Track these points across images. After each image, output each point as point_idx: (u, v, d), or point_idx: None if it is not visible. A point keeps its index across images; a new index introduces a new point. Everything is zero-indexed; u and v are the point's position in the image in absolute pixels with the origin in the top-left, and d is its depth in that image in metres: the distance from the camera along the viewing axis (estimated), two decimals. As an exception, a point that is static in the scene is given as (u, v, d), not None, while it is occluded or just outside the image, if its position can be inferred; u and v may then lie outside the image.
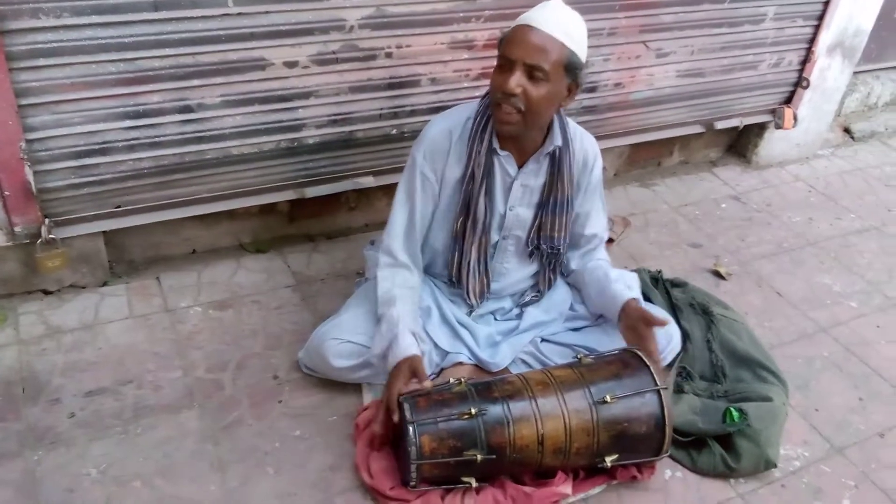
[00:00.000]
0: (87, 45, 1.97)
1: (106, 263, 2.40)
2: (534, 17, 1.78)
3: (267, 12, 2.15)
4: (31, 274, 2.29)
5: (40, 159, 2.08)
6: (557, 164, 1.98)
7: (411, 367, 1.81)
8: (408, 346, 1.84)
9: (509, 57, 1.76)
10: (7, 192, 2.06)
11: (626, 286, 2.08)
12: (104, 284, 2.41)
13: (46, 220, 2.15)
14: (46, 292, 2.35)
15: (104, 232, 2.33)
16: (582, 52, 1.81)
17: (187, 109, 2.19)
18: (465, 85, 2.57)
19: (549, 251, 2.10)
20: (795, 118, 3.48)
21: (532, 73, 1.75)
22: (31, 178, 2.05)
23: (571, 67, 1.80)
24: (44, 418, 1.94)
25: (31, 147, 2.04)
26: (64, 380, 2.06)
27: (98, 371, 2.10)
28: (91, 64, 2.00)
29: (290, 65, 2.27)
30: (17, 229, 2.13)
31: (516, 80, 1.75)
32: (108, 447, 1.88)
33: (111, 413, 1.97)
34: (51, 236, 2.16)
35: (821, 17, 3.25)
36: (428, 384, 1.81)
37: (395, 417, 1.75)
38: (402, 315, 1.90)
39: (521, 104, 1.78)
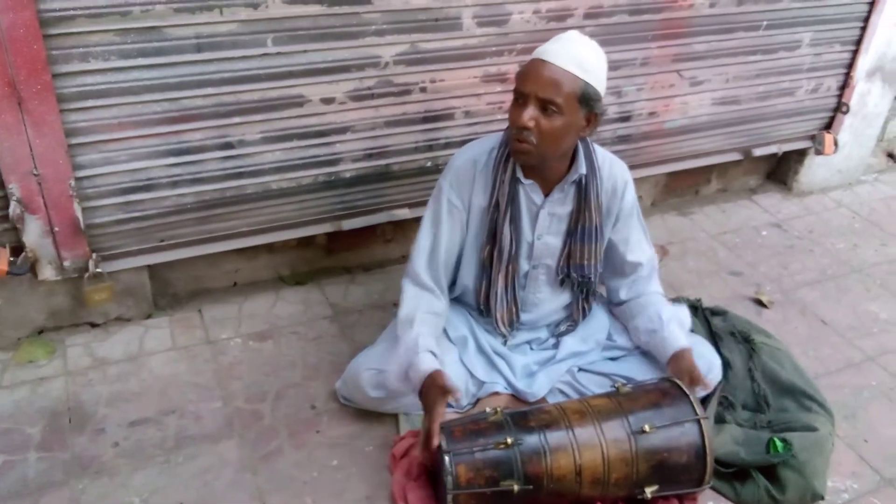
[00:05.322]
0: (133, 86, 2.05)
1: (150, 296, 2.47)
2: (547, 50, 1.79)
3: (304, 51, 2.21)
4: (78, 307, 2.36)
5: (88, 196, 2.15)
6: (584, 192, 1.98)
7: (438, 384, 1.78)
8: (428, 362, 1.83)
9: (522, 91, 1.78)
10: (57, 229, 2.14)
11: (679, 325, 2.06)
12: (148, 317, 2.47)
13: (94, 255, 2.22)
14: (93, 325, 2.42)
15: (148, 266, 2.40)
16: (598, 83, 1.81)
17: (228, 146, 2.26)
18: (499, 117, 2.60)
19: (579, 280, 2.08)
20: (836, 144, 3.43)
21: (545, 106, 1.76)
22: (79, 214, 2.13)
23: (586, 99, 1.79)
24: (89, 448, 1.98)
25: (80, 184, 2.12)
26: (109, 410, 2.11)
27: (141, 401, 2.14)
28: (137, 104, 2.08)
29: (328, 101, 2.32)
30: (66, 264, 2.21)
31: (529, 115, 1.77)
32: (151, 476, 1.91)
33: (154, 443, 2.01)
34: (98, 270, 2.23)
35: (858, 42, 3.22)
36: (459, 394, 1.81)
37: (436, 442, 1.73)
38: (420, 336, 1.89)
39: (533, 137, 1.79)
